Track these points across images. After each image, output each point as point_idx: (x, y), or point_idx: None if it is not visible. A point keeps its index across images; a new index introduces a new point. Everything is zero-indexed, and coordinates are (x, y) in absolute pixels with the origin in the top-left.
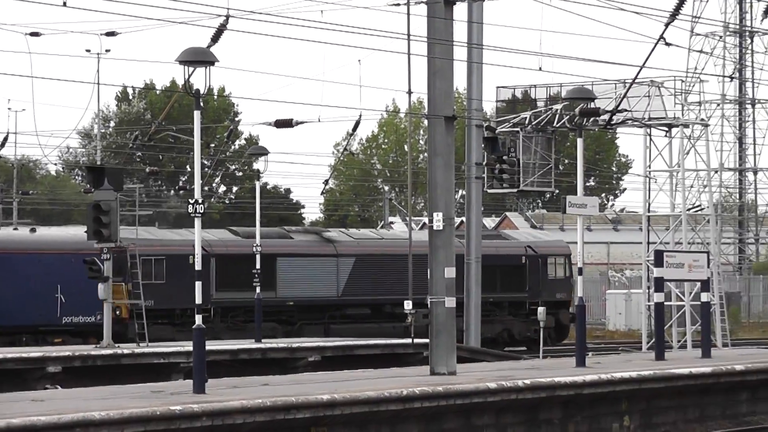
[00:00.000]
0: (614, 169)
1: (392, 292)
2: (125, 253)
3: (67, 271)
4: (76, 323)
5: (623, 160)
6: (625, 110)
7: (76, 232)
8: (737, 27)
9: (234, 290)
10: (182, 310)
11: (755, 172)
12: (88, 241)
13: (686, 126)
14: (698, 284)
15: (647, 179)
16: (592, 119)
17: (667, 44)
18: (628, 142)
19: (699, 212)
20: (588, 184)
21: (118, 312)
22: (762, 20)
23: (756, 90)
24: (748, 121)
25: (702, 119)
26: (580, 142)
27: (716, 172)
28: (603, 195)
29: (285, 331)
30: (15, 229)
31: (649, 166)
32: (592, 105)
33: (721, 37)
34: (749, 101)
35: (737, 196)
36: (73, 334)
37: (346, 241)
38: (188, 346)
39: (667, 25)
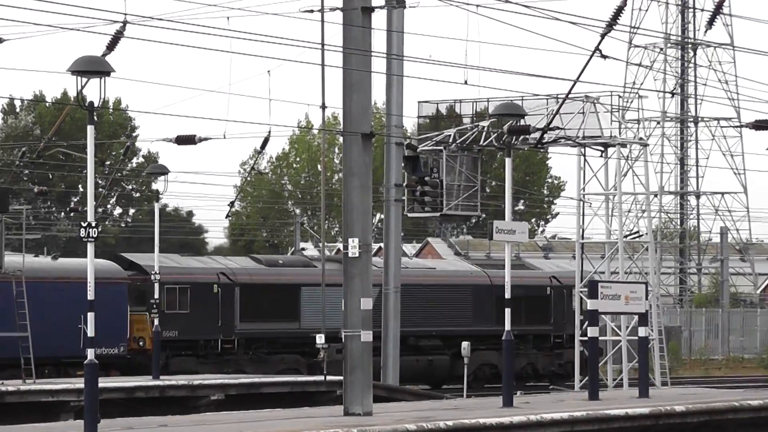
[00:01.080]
0: (545, 191)
1: (415, 324)
2: (150, 282)
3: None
4: (99, 355)
5: (555, 182)
6: (558, 128)
7: (100, 261)
8: (679, 39)
9: (258, 321)
10: (206, 341)
11: (698, 197)
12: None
13: (624, 145)
14: (636, 318)
15: (581, 203)
16: (521, 137)
17: (604, 57)
18: (561, 162)
19: (637, 239)
20: (517, 208)
21: (141, 343)
22: (706, 31)
23: (699, 107)
24: (691, 140)
25: (641, 138)
26: (508, 162)
27: (656, 195)
28: (533, 220)
29: (309, 363)
30: (35, 256)
31: (584, 189)
32: (522, 122)
33: (661, 49)
34: (692, 119)
35: (678, 222)
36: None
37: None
38: (80, 383)
39: (603, 36)
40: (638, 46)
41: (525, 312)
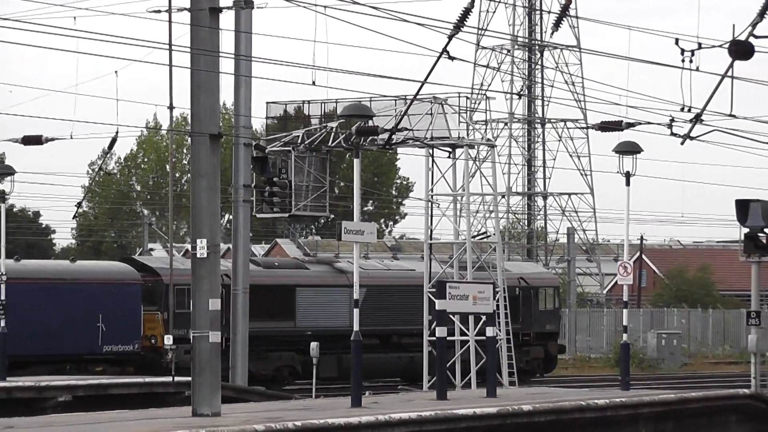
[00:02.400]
0: (394, 192)
1: (399, 322)
2: (160, 283)
3: (107, 300)
4: (116, 352)
5: (404, 182)
6: (406, 129)
7: (115, 264)
8: (526, 40)
9: (258, 320)
10: None
11: (545, 197)
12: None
13: (471, 146)
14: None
15: (429, 204)
16: (370, 138)
17: (451, 58)
18: (410, 163)
19: (485, 239)
20: (366, 208)
21: (153, 341)
22: (552, 34)
23: (546, 108)
24: (538, 141)
25: (488, 139)
26: (357, 162)
27: (503, 196)
28: (382, 220)
29: (302, 361)
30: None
31: (432, 190)
32: (370, 123)
33: (509, 51)
34: (539, 120)
35: (525, 223)
36: (113, 362)
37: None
38: None
39: (450, 37)
40: (486, 48)
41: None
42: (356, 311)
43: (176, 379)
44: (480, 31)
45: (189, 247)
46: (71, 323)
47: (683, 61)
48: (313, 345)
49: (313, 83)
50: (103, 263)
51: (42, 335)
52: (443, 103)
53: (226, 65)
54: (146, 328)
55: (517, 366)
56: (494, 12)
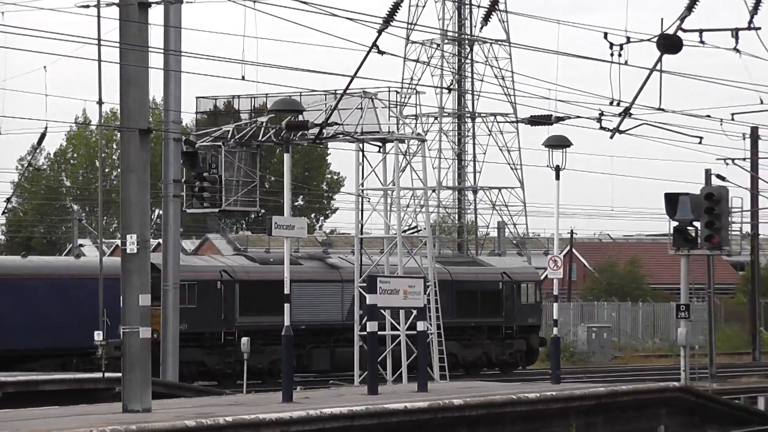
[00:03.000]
0: (325, 187)
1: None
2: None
3: (112, 296)
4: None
5: (335, 177)
6: (336, 123)
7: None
8: (456, 35)
9: (256, 314)
10: (211, 333)
11: (475, 191)
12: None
13: (401, 141)
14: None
15: (360, 198)
16: (300, 133)
17: (381, 52)
18: (340, 158)
19: (415, 234)
20: (296, 203)
21: (156, 335)
22: (482, 28)
23: (476, 103)
24: (468, 136)
25: (418, 134)
26: (287, 157)
27: (434, 190)
28: (313, 215)
29: (296, 354)
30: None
31: (362, 184)
32: (301, 117)
33: (438, 45)
34: (469, 115)
35: (456, 217)
36: (116, 357)
37: (348, 267)
38: None
39: (380, 32)
40: (416, 42)
41: (480, 305)
42: (287, 306)
43: (107, 375)
44: (410, 26)
45: (119, 242)
46: (78, 318)
47: (612, 55)
48: (244, 341)
49: (243, 78)
50: (109, 259)
51: (49, 330)
52: (373, 97)
53: (156, 60)
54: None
55: (500, 358)
56: (424, 6)
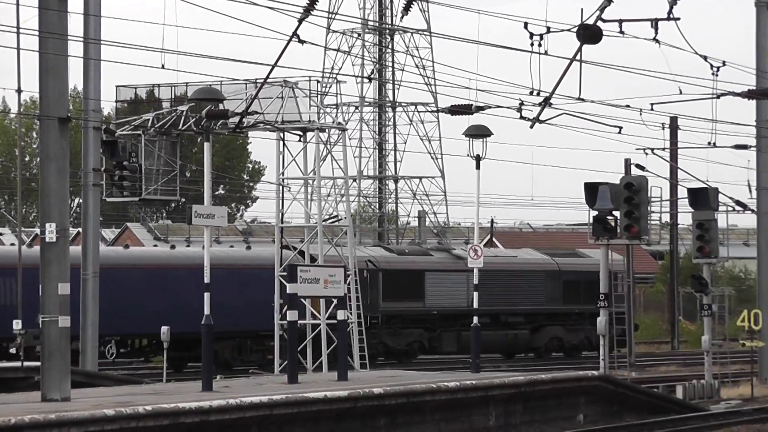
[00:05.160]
0: (246, 176)
1: (507, 303)
2: None
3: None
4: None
5: (255, 166)
6: (257, 113)
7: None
8: (377, 24)
9: (396, 300)
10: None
11: (396, 181)
12: None
13: (322, 130)
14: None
15: (280, 187)
16: (220, 122)
17: (301, 42)
18: (261, 147)
19: (336, 223)
20: (217, 192)
21: None
22: (402, 17)
23: (397, 92)
24: (389, 125)
25: (339, 123)
26: (207, 146)
27: (354, 180)
28: (233, 204)
29: (428, 337)
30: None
31: (283, 174)
32: (221, 106)
33: (359, 34)
34: (389, 104)
35: (377, 206)
36: (283, 337)
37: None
38: None
39: (300, 21)
40: (336, 32)
41: (583, 294)
42: (207, 295)
43: (26, 364)
44: (330, 15)
45: (38, 231)
46: (251, 303)
47: (532, 45)
48: (164, 329)
49: (163, 66)
50: (271, 251)
51: (228, 314)
52: (294, 86)
53: (75, 48)
54: None
55: (598, 342)
56: None
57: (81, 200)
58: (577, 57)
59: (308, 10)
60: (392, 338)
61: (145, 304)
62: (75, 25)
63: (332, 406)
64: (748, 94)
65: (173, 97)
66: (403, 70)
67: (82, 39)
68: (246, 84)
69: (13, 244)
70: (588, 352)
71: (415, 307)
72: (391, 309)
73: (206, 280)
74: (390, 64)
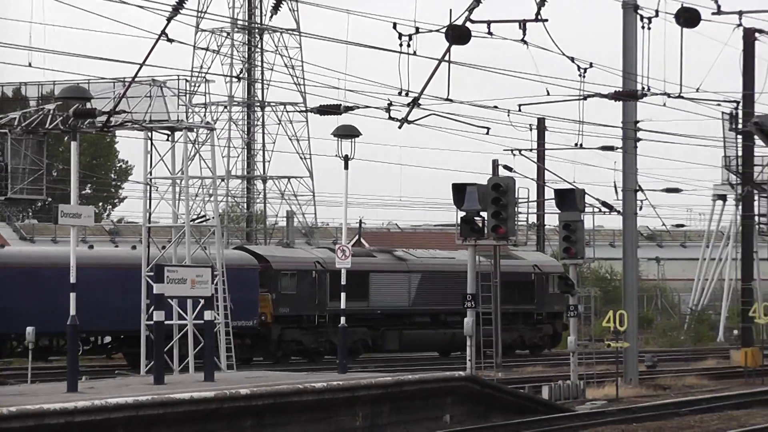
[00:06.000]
0: (113, 175)
1: (446, 303)
2: (270, 269)
3: (235, 283)
4: (240, 326)
5: (123, 166)
6: (125, 111)
7: (238, 252)
8: (246, 24)
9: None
10: (307, 316)
11: (264, 181)
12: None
13: (190, 129)
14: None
15: (148, 187)
16: (88, 121)
17: (170, 40)
18: (129, 146)
19: (204, 223)
20: (84, 191)
21: (264, 317)
22: (271, 17)
23: (266, 92)
24: (257, 125)
25: (208, 122)
26: (74, 145)
27: (223, 179)
28: (101, 204)
29: (372, 336)
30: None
31: (151, 173)
32: (88, 105)
33: (228, 34)
34: (258, 104)
35: (245, 206)
36: (236, 336)
37: (412, 259)
38: None
39: (169, 19)
40: (205, 31)
41: (516, 294)
42: (73, 295)
43: None
44: (199, 14)
45: None
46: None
47: (401, 45)
48: (29, 330)
49: (30, 65)
50: (230, 252)
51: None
52: (162, 85)
53: None
54: (261, 306)
55: (531, 341)
56: None
57: None
58: (446, 58)
59: (177, 9)
60: (338, 337)
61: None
62: None
63: (198, 407)
64: (615, 96)
65: (40, 95)
66: (272, 69)
67: None
68: (114, 83)
69: None
70: (520, 350)
71: (359, 306)
72: (337, 308)
73: (72, 279)
74: (259, 64)
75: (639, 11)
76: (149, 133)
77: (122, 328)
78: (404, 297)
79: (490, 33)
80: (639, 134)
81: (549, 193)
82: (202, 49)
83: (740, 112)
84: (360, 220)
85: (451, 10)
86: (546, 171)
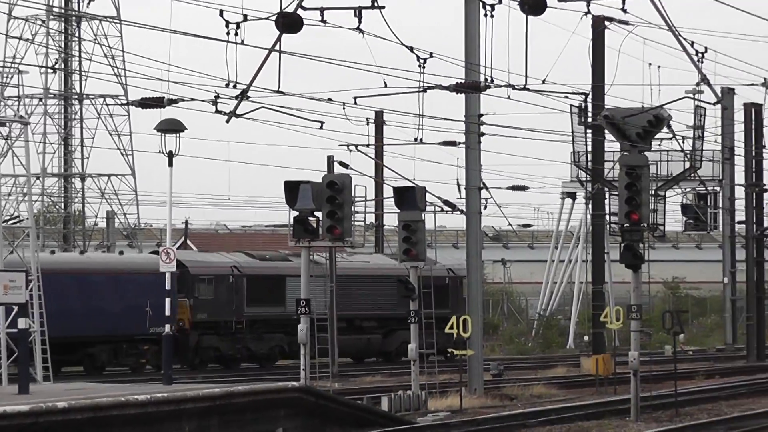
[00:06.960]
0: None
1: (361, 308)
2: (188, 274)
3: (153, 289)
4: (158, 333)
5: None
6: None
7: (154, 257)
8: (62, 11)
9: (260, 305)
10: (225, 322)
11: (83, 178)
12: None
13: (3, 124)
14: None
15: None
16: None
17: None
18: None
19: (17, 224)
20: None
21: (181, 324)
22: (89, 3)
23: (84, 84)
24: (75, 119)
25: (21, 116)
26: None
27: (38, 178)
28: None
29: (289, 341)
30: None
31: None
32: None
33: (43, 21)
34: (76, 96)
35: (62, 206)
36: (155, 342)
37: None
38: None
39: None
40: (19, 18)
41: (434, 299)
42: None
43: None
44: (12, 1)
45: None
46: (126, 309)
47: (228, 34)
48: None
49: None
50: (147, 257)
51: (103, 319)
52: None
53: None
54: (178, 313)
55: (446, 346)
56: None
57: None
58: (276, 47)
59: None
60: (255, 342)
61: None
62: None
63: (12, 422)
64: (456, 88)
65: None
66: (90, 59)
67: None
68: None
69: None
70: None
71: (276, 311)
72: (254, 314)
73: None
74: (77, 54)
75: None
76: None
77: None
78: (321, 302)
79: (323, 21)
80: (482, 128)
81: (388, 192)
82: (15, 38)
83: (590, 105)
84: (186, 221)
85: None
86: (384, 168)
